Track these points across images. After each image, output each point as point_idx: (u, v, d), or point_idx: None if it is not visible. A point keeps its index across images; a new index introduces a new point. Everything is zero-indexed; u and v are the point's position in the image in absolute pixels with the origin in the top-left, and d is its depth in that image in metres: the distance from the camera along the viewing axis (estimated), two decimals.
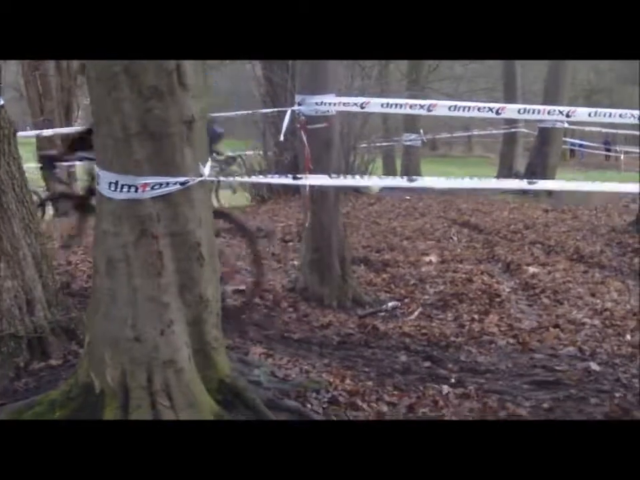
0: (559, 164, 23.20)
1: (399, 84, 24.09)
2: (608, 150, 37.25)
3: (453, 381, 5.01)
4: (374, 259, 8.39)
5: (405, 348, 5.67)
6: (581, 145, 34.89)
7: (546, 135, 18.65)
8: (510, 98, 22.54)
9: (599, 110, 5.50)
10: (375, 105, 5.77)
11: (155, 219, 3.51)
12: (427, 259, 8.61)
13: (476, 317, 6.47)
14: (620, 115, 5.47)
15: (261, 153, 15.45)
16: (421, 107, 5.60)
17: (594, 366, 5.40)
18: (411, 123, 21.21)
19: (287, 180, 4.69)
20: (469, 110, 5.54)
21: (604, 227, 12.04)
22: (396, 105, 5.71)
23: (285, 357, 5.01)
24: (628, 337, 6.15)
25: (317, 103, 5.97)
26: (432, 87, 26.58)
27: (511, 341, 5.95)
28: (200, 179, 3.56)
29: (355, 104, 5.90)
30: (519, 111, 5.67)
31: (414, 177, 4.43)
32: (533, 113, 5.62)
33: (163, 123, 3.43)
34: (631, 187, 4.06)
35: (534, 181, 4.37)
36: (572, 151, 45.51)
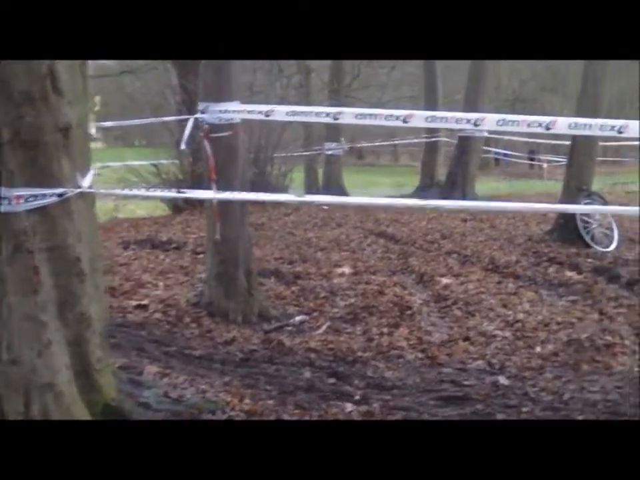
0: (481, 172, 23.35)
1: (321, 93, 23.98)
2: (532, 159, 37.90)
3: (357, 398, 4.86)
4: (285, 271, 8.18)
5: (310, 364, 5.50)
6: (505, 154, 35.48)
7: (465, 144, 18.62)
8: (431, 106, 22.58)
9: (507, 117, 5.40)
10: (280, 113, 5.58)
11: (30, 232, 3.29)
12: (339, 270, 8.44)
13: (385, 330, 6.32)
14: (528, 125, 5.38)
15: (177, 161, 15.11)
16: (327, 114, 5.44)
17: (502, 380, 5.32)
18: (333, 131, 21.01)
19: (171, 194, 4.51)
20: (375, 118, 5.40)
21: (521, 236, 12.02)
22: (302, 113, 5.55)
23: (182, 375, 4.80)
24: (538, 348, 6.08)
25: (220, 111, 5.78)
26: (355, 95, 26.55)
27: (420, 355, 5.83)
28: (78, 190, 3.35)
29: (260, 112, 5.71)
30: (426, 119, 5.53)
31: (302, 192, 4.26)
32: (441, 120, 5.50)
33: (36, 130, 3.22)
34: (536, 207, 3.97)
35: (429, 202, 4.23)
36: (497, 159, 46.21)
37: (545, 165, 31.94)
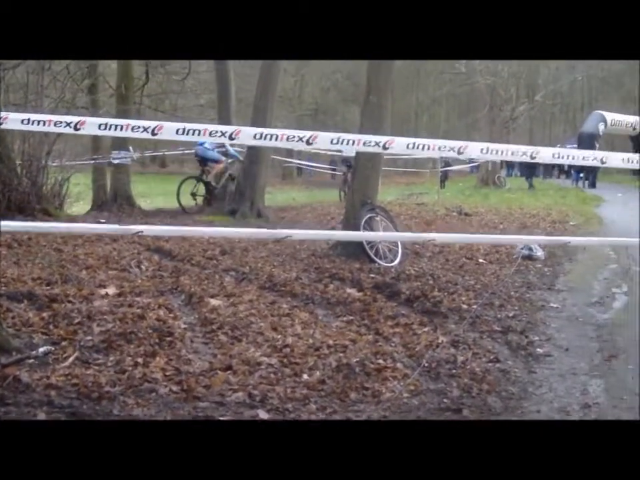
0: (284, 181, 23.36)
1: (110, 99, 23.16)
2: (333, 169, 38.77)
3: None
4: (40, 294, 7.40)
5: (49, 403, 4.87)
6: (309, 165, 36.09)
7: (255, 154, 18.21)
8: (224, 115, 22.22)
9: (265, 132, 5.08)
10: None
11: None
12: (102, 291, 7.80)
13: (140, 360, 5.76)
14: (287, 138, 5.09)
15: None
16: None
17: (262, 414, 4.94)
18: (120, 139, 20.13)
19: None
20: (121, 129, 4.94)
21: (305, 250, 11.75)
22: None
23: None
24: (305, 376, 5.75)
25: None
26: (146, 102, 25.92)
27: (175, 387, 5.33)
28: None
29: None
30: (177, 131, 5.08)
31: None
32: (194, 133, 5.08)
33: None
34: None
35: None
36: (299, 169, 47.00)
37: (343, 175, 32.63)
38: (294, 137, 4.99)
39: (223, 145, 19.22)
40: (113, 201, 20.19)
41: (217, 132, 5.11)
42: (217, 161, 20.09)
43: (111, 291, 7.87)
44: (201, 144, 18.95)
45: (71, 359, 5.73)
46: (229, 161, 20.20)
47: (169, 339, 6.33)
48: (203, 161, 20.28)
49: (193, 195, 20.11)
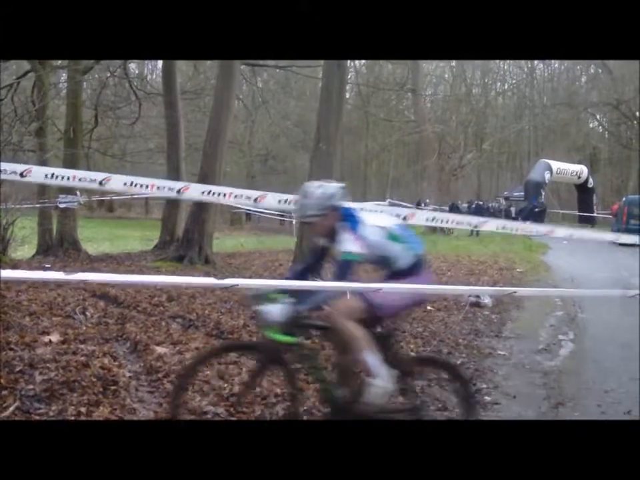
0: (232, 227, 23.36)
1: (58, 142, 22.98)
2: (282, 215, 38.68)
3: None
4: None
5: None
6: (257, 211, 36.06)
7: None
8: (173, 160, 22.28)
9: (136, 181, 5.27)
10: None
11: None
12: (46, 338, 7.64)
13: (84, 410, 5.60)
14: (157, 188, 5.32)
15: None
16: None
17: None
18: None
19: None
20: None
21: None
22: None
23: None
24: None
25: None
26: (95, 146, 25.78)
27: None
28: None
29: None
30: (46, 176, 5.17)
31: None
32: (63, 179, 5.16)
33: None
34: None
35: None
36: (248, 214, 46.88)
37: (294, 222, 32.61)
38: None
39: None
40: (58, 245, 19.96)
41: (85, 178, 5.27)
42: None
43: (55, 338, 7.70)
44: None
45: (11, 409, 5.56)
46: None
47: (113, 387, 6.19)
48: None
49: None
